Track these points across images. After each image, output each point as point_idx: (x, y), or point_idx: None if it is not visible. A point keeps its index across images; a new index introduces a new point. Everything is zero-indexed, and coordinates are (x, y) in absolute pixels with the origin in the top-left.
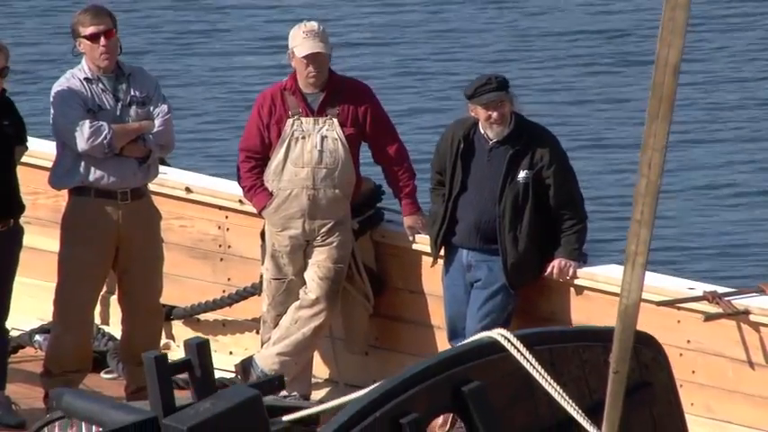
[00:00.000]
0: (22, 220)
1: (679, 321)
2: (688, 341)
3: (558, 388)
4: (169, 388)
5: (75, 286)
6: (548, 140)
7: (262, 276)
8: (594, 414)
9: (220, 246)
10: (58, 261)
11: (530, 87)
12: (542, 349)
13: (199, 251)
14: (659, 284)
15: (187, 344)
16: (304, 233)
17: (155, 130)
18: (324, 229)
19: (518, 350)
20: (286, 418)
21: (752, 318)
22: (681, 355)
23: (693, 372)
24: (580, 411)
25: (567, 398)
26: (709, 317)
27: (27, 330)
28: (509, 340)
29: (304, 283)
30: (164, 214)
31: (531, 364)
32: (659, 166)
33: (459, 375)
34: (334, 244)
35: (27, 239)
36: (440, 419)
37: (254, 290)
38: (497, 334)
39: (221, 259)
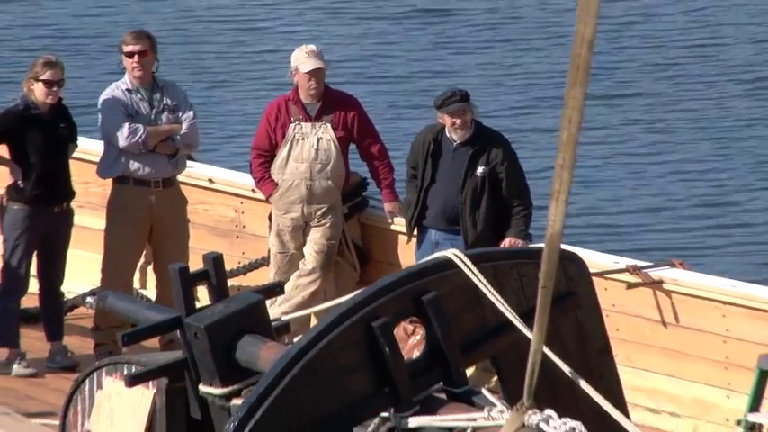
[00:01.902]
0: (74, 204)
1: (606, 289)
2: (613, 305)
3: (499, 297)
4: (190, 294)
5: (117, 258)
6: (501, 143)
7: (269, 251)
8: (529, 318)
9: (236, 226)
10: (104, 237)
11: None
12: (487, 266)
13: (218, 230)
14: (590, 259)
15: (205, 257)
16: (303, 216)
17: (182, 132)
18: (319, 213)
19: (467, 266)
20: (285, 317)
21: (664, 286)
22: (607, 316)
23: (617, 329)
24: (516, 316)
25: (506, 305)
26: (630, 285)
27: (80, 293)
28: (460, 258)
29: (303, 256)
30: (190, 200)
31: (477, 277)
32: (577, 123)
33: (420, 287)
34: (328, 225)
35: (79, 220)
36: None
37: (264, 261)
38: (451, 253)
39: (237, 237)
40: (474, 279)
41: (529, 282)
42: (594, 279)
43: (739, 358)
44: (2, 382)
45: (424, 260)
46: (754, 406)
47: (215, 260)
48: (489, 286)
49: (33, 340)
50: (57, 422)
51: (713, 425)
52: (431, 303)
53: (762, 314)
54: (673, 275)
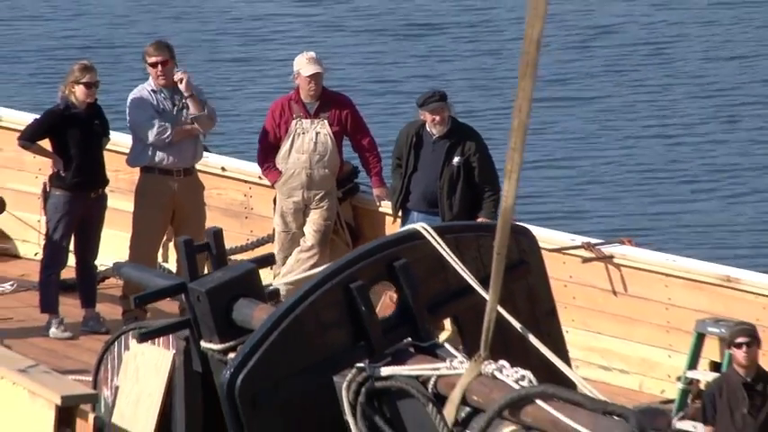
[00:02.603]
0: (107, 189)
1: (564, 263)
2: (570, 276)
3: (460, 264)
4: (194, 262)
5: (144, 237)
6: (475, 136)
7: (274, 230)
8: (486, 283)
9: (245, 208)
10: (133, 219)
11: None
12: (450, 237)
13: (230, 212)
14: (550, 237)
15: (206, 231)
16: (303, 200)
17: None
18: (317, 197)
19: (433, 237)
20: (275, 283)
21: (614, 260)
22: (565, 286)
23: (574, 298)
24: (475, 281)
25: (466, 271)
26: (585, 260)
27: (111, 266)
28: (427, 230)
29: (303, 234)
30: (206, 186)
31: (442, 247)
32: (526, 111)
33: (392, 255)
34: (325, 207)
35: (110, 203)
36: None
37: (269, 239)
38: (419, 226)
39: (246, 217)
40: (439, 248)
41: (486, 251)
42: (554, 254)
43: (679, 323)
44: (43, 344)
45: (395, 232)
46: (692, 364)
47: (215, 234)
48: (452, 255)
49: (70, 307)
50: (90, 379)
51: (657, 381)
52: (401, 269)
53: (699, 284)
54: (622, 251)
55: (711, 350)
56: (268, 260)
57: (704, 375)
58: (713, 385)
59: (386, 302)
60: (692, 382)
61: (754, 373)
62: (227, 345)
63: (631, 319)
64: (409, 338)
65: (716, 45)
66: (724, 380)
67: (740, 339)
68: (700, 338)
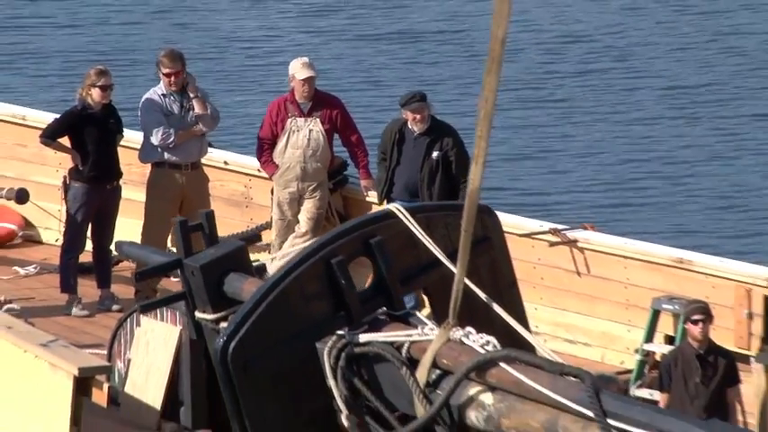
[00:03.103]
0: (121, 182)
1: (533, 246)
2: (539, 259)
3: (430, 240)
4: (189, 241)
5: (154, 225)
6: (452, 133)
7: (272, 218)
8: (453, 257)
9: (245, 198)
10: (145, 209)
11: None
12: (421, 216)
13: (232, 201)
14: (521, 223)
15: (199, 213)
16: (298, 190)
17: (204, 114)
18: (310, 188)
19: (405, 216)
20: (262, 258)
21: (578, 244)
22: (534, 268)
23: (542, 278)
24: (444, 255)
25: (435, 247)
26: (552, 244)
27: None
28: (400, 210)
29: (298, 221)
30: (210, 178)
31: (413, 225)
32: (492, 103)
33: (368, 233)
34: (317, 197)
35: (125, 194)
36: None
37: (267, 226)
38: (393, 206)
39: (246, 206)
40: (410, 226)
41: (454, 229)
42: (524, 239)
43: (637, 300)
44: (63, 321)
45: (371, 212)
46: (649, 338)
47: (207, 215)
48: (422, 232)
49: (87, 288)
50: (105, 352)
51: (617, 353)
52: (377, 245)
53: (654, 266)
54: (585, 236)
55: (666, 325)
56: (254, 238)
57: (659, 348)
58: (669, 356)
59: None
60: (648, 354)
61: (706, 347)
62: (219, 315)
63: (593, 298)
64: (384, 308)
65: (675, 49)
66: (679, 352)
67: (696, 316)
68: (655, 314)
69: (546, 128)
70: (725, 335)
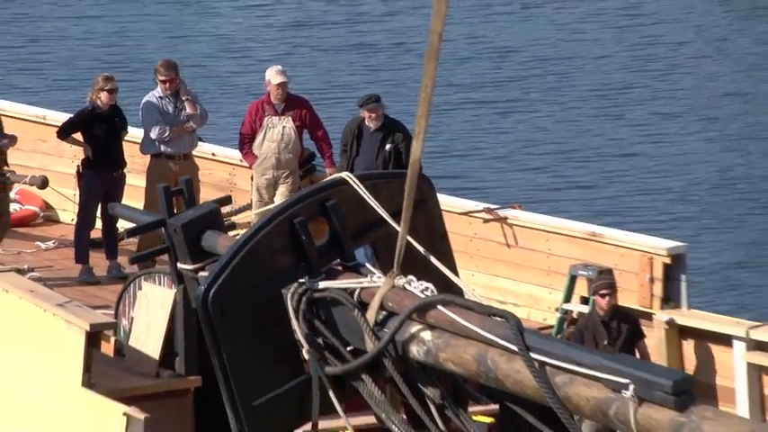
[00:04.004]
0: (125, 170)
1: (470, 223)
2: (475, 233)
3: (376, 203)
4: (171, 204)
5: (152, 206)
6: (402, 129)
7: (252, 200)
8: (396, 216)
9: (230, 183)
10: (145, 193)
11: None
12: (368, 183)
13: (218, 187)
14: (460, 203)
15: (179, 180)
16: (274, 177)
17: (194, 114)
18: (284, 175)
19: (355, 183)
20: (234, 218)
21: (508, 221)
22: (471, 240)
23: (478, 249)
24: (388, 215)
25: (381, 207)
26: (486, 221)
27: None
28: (351, 178)
29: (274, 203)
30: (200, 167)
31: (362, 190)
32: (430, 87)
33: (325, 197)
34: (290, 182)
35: (128, 180)
36: None
37: (248, 207)
38: (345, 175)
39: (230, 191)
40: (359, 191)
41: (396, 193)
42: (463, 216)
43: (557, 268)
44: (78, 287)
45: (327, 179)
46: (567, 299)
47: (186, 182)
48: (369, 196)
49: (97, 259)
50: (112, 312)
51: (540, 312)
52: (332, 207)
53: (572, 239)
54: (514, 214)
55: (581, 288)
56: (226, 201)
57: (576, 307)
58: (581, 324)
59: None
60: (567, 312)
61: (610, 314)
62: (197, 266)
63: (521, 266)
64: (338, 260)
65: (597, 57)
66: (589, 319)
67: (603, 291)
68: (572, 280)
69: (486, 124)
70: (631, 296)
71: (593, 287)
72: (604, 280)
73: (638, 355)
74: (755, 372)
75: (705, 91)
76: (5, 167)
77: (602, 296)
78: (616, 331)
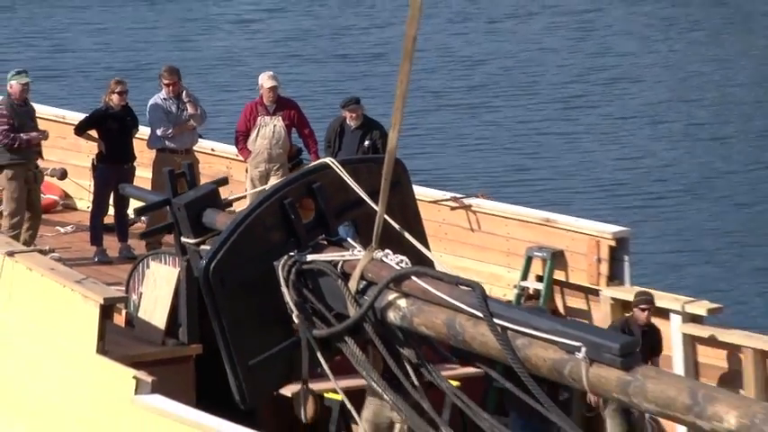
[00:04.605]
0: (135, 163)
1: (439, 210)
2: (443, 219)
3: (356, 185)
4: (175, 185)
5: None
6: (379, 127)
7: (246, 190)
8: (375, 195)
9: (227, 176)
10: (151, 182)
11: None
12: (349, 167)
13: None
14: (430, 193)
15: (181, 164)
16: (266, 170)
17: (195, 114)
18: (275, 168)
19: (337, 167)
20: (230, 198)
21: (472, 208)
22: (440, 225)
23: (446, 233)
24: (367, 195)
25: (360, 189)
26: (453, 208)
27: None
28: (333, 162)
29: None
30: (200, 161)
31: (342, 173)
32: (405, 84)
33: (311, 180)
34: (280, 174)
35: (137, 172)
36: None
37: (243, 196)
38: (327, 160)
39: (227, 182)
40: (341, 174)
41: (374, 176)
42: (432, 204)
43: (515, 250)
44: (93, 266)
45: (312, 164)
46: (524, 277)
47: (189, 166)
48: (350, 178)
49: (110, 241)
50: (123, 287)
51: (500, 288)
52: (318, 189)
53: (527, 224)
54: (477, 202)
55: (537, 268)
56: (223, 182)
57: (532, 284)
58: (618, 324)
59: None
60: (523, 289)
61: (646, 327)
62: (199, 240)
63: (483, 248)
64: (324, 235)
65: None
66: (628, 323)
67: (642, 306)
68: (528, 260)
69: (454, 125)
70: (580, 275)
71: (635, 301)
72: (645, 296)
73: (660, 363)
74: (689, 341)
75: (649, 96)
76: (41, 160)
77: (642, 310)
78: (646, 341)
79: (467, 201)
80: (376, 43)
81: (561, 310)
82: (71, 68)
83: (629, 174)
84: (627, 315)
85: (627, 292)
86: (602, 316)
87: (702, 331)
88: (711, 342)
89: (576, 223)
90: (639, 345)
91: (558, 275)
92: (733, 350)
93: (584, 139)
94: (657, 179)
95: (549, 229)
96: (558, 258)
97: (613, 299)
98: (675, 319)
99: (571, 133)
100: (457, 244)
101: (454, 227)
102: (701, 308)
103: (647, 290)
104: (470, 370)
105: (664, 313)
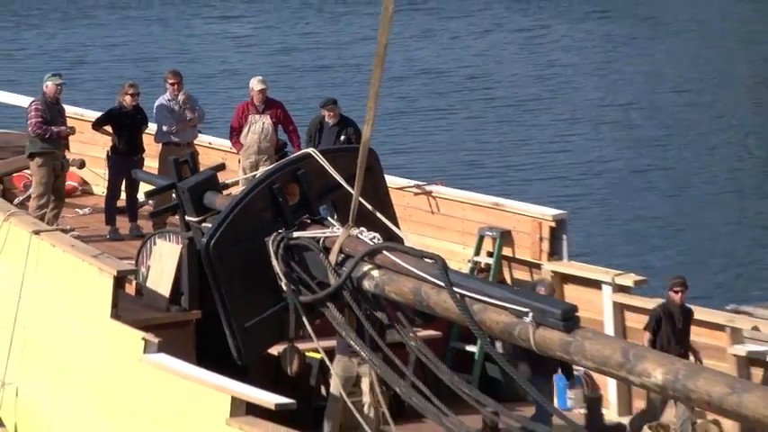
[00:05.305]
0: (144, 155)
1: (404, 195)
2: (408, 203)
3: (334, 171)
4: (179, 171)
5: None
6: (353, 124)
7: (239, 176)
8: (351, 180)
9: (221, 163)
10: (158, 172)
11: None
12: (328, 156)
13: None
14: (397, 180)
15: (185, 153)
16: (255, 160)
17: (193, 117)
18: (264, 159)
19: (318, 156)
20: (227, 182)
21: (433, 194)
22: (405, 208)
23: (410, 216)
24: (344, 180)
25: (338, 175)
26: (416, 194)
27: (144, 198)
28: (315, 152)
29: None
30: (200, 153)
31: (323, 161)
32: (376, 86)
33: (296, 167)
34: (268, 164)
35: (145, 163)
36: None
37: (236, 183)
38: (310, 150)
39: (223, 171)
40: (322, 162)
41: (350, 163)
42: (399, 190)
43: (469, 230)
44: (107, 243)
45: (296, 153)
46: (477, 253)
47: (191, 155)
48: (328, 165)
49: (122, 222)
50: (134, 261)
51: (457, 263)
52: (302, 175)
53: (480, 207)
54: (437, 189)
55: (487, 245)
56: (220, 168)
57: (483, 259)
58: (658, 310)
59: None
60: (476, 263)
61: (681, 307)
62: (200, 218)
63: (442, 228)
64: (307, 215)
65: (510, 74)
66: (665, 307)
67: (676, 288)
68: (481, 239)
69: (418, 125)
70: (525, 251)
71: (669, 284)
72: (678, 280)
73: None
74: (618, 308)
75: (587, 100)
76: (67, 152)
77: (675, 292)
78: (684, 320)
79: (428, 188)
80: (352, 56)
81: (508, 281)
82: (89, 77)
83: (568, 165)
84: (663, 301)
85: (565, 267)
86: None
87: (629, 300)
88: (637, 309)
89: (522, 207)
90: (578, 311)
91: (506, 252)
92: None
93: (531, 136)
94: (593, 170)
95: (499, 212)
96: (505, 237)
97: (553, 272)
98: (607, 290)
99: (520, 132)
100: (419, 224)
101: (417, 210)
102: (628, 280)
103: (680, 275)
104: (431, 332)
105: (596, 284)
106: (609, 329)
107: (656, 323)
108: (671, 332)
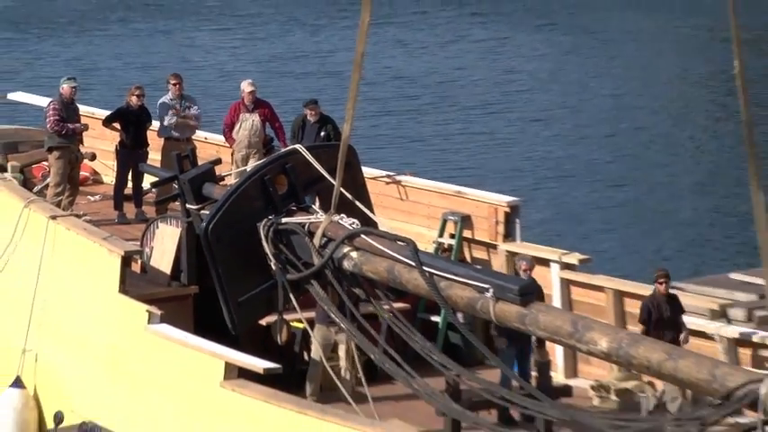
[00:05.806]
0: (147, 148)
1: (377, 185)
2: (380, 191)
3: (317, 164)
4: (181, 164)
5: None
6: (332, 122)
7: (231, 169)
8: (332, 172)
9: (218, 158)
10: (161, 164)
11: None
12: (313, 151)
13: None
14: (371, 172)
15: (186, 148)
16: (246, 154)
17: (193, 114)
18: (253, 152)
19: (304, 151)
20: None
21: (402, 183)
22: (377, 196)
23: (382, 202)
24: (326, 173)
25: (322, 168)
26: (388, 183)
27: (149, 186)
28: (301, 148)
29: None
30: (197, 147)
31: (308, 156)
32: (354, 90)
33: (284, 161)
34: (257, 158)
35: (149, 155)
36: None
37: (229, 174)
38: (296, 146)
39: (221, 162)
40: (307, 157)
41: (332, 157)
42: (373, 180)
43: (435, 214)
44: (115, 226)
45: (284, 149)
46: (440, 235)
47: (192, 150)
48: (313, 159)
49: (129, 208)
50: (139, 243)
51: (423, 244)
52: (290, 168)
53: (444, 194)
54: (407, 179)
55: (450, 228)
56: (217, 162)
57: (446, 240)
58: (648, 300)
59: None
60: (440, 244)
61: (666, 296)
62: (200, 206)
63: (410, 213)
64: (294, 203)
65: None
66: (653, 298)
67: (660, 280)
68: (444, 222)
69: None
70: (483, 233)
71: (654, 277)
72: (661, 272)
73: (684, 319)
74: (565, 284)
75: (543, 102)
76: (81, 146)
77: (660, 283)
78: (672, 307)
79: (398, 178)
80: (332, 63)
81: (468, 259)
82: (100, 81)
83: (522, 159)
84: (650, 293)
85: (518, 247)
86: (499, 264)
87: (575, 276)
88: (582, 284)
89: (480, 194)
90: (534, 288)
91: (467, 234)
92: (597, 290)
93: (490, 133)
94: (545, 164)
95: (460, 199)
96: (466, 221)
97: (507, 251)
98: (555, 267)
99: (480, 129)
100: (390, 210)
101: (389, 197)
102: (574, 258)
103: (663, 267)
104: (401, 305)
105: (545, 263)
106: (557, 302)
107: (647, 314)
108: (661, 320)
